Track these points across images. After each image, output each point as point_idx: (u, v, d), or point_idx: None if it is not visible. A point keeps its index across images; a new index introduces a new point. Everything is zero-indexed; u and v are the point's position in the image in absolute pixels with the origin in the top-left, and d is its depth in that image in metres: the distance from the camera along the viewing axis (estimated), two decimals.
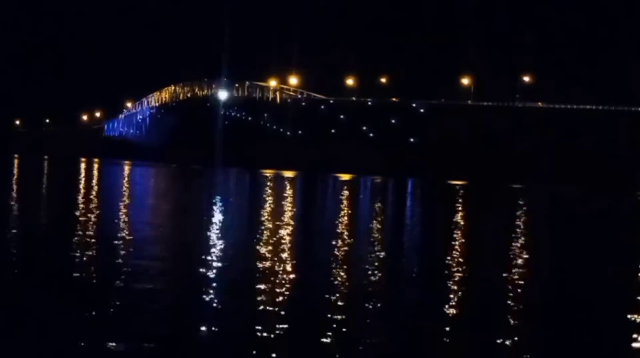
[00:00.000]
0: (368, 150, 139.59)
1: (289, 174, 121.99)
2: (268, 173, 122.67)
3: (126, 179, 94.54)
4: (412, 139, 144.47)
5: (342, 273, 24.92)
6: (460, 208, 61.68)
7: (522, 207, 66.71)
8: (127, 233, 33.49)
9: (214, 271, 24.31)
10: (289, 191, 75.30)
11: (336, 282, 23.33)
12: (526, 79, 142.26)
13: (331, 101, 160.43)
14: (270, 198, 62.47)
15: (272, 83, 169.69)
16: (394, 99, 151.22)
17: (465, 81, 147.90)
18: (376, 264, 27.28)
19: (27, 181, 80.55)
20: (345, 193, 77.53)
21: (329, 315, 18.39)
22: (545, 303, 22.10)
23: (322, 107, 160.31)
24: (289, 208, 51.45)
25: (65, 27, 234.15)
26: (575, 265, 30.19)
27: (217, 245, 30.56)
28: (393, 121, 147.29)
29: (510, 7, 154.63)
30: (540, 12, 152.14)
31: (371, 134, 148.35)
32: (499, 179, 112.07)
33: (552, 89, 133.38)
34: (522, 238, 38.48)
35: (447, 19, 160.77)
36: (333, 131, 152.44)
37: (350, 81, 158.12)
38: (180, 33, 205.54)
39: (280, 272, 24.13)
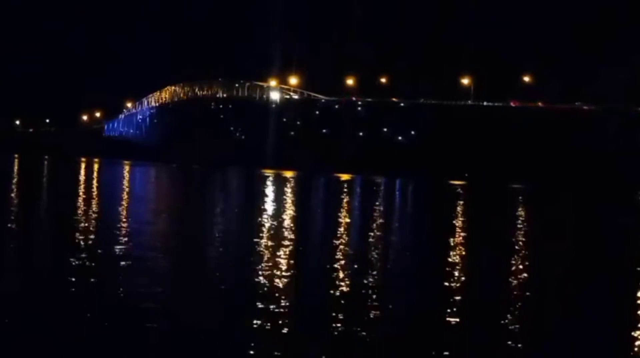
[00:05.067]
0: (367, 150, 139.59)
1: (288, 174, 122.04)
2: (268, 172, 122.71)
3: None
4: (411, 139, 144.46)
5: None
6: (460, 209, 61.78)
7: (522, 207, 66.81)
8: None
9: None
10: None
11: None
12: (526, 79, 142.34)
13: (323, 100, 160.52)
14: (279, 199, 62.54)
15: (272, 83, 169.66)
16: (393, 98, 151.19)
17: (465, 81, 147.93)
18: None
19: (29, 181, 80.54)
20: (351, 194, 77.63)
21: None
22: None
23: (322, 107, 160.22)
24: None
25: (66, 28, 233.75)
26: (571, 266, 30.37)
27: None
28: (392, 120, 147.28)
29: (511, 6, 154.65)
30: (540, 12, 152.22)
31: (370, 134, 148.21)
32: (498, 179, 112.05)
33: (552, 89, 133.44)
34: (521, 242, 38.60)
35: (447, 18, 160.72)
36: (332, 130, 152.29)
37: (350, 81, 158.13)
38: (180, 33, 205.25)
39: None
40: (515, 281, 25.11)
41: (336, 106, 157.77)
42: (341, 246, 32.36)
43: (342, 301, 20.90)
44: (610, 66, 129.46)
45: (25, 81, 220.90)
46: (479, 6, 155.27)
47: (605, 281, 26.50)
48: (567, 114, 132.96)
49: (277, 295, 21.12)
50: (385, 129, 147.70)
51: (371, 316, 19.28)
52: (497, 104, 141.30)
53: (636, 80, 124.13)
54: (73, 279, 22.62)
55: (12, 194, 55.83)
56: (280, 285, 22.58)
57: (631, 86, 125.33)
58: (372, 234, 37.79)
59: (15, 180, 79.32)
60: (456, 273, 26.03)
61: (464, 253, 32.08)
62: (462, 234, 40.19)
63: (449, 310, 20.06)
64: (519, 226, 46.32)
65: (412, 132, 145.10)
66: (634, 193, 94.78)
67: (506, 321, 19.23)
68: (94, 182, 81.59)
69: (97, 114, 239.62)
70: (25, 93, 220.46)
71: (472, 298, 22.22)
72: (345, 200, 66.57)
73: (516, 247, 34.30)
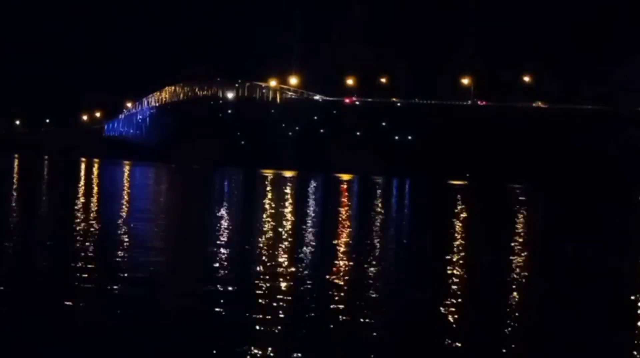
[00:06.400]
0: (367, 150, 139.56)
1: (288, 174, 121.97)
2: (267, 172, 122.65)
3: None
4: (411, 139, 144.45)
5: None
6: (460, 209, 61.77)
7: (522, 209, 66.80)
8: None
9: None
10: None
11: None
12: (526, 79, 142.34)
13: (321, 100, 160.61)
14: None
15: (272, 83, 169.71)
16: (393, 99, 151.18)
17: (465, 81, 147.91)
18: None
19: (29, 182, 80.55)
20: (351, 194, 77.60)
21: None
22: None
23: (321, 107, 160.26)
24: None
25: (66, 28, 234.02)
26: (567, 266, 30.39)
27: None
28: (392, 120, 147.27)
29: (511, 6, 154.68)
30: (540, 12, 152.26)
31: (370, 134, 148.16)
32: (499, 179, 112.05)
33: (552, 89, 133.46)
34: (521, 241, 38.59)
35: (447, 18, 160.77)
36: (332, 130, 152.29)
37: (350, 81, 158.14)
38: (180, 33, 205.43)
39: None
40: (514, 281, 25.09)
41: (335, 107, 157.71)
42: (341, 247, 32.34)
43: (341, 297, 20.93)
44: (610, 66, 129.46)
45: (25, 81, 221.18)
46: (479, 6, 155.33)
47: (605, 281, 26.49)
48: (567, 114, 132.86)
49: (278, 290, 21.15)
50: (385, 129, 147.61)
51: (369, 315, 19.28)
52: (498, 104, 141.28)
53: (636, 80, 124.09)
54: (71, 282, 22.63)
55: (12, 195, 55.78)
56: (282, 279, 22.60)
57: (631, 86, 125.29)
58: (372, 234, 37.75)
59: (15, 180, 79.29)
60: (455, 272, 26.02)
61: (463, 252, 32.07)
62: (462, 233, 40.17)
63: (448, 308, 20.04)
64: (519, 226, 46.29)
65: (412, 133, 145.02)
66: (634, 193, 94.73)
67: (505, 320, 19.22)
68: (94, 182, 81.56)
69: (97, 114, 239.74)
70: (25, 93, 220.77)
71: (471, 296, 22.20)
72: (345, 200, 66.54)
73: (516, 246, 34.27)
